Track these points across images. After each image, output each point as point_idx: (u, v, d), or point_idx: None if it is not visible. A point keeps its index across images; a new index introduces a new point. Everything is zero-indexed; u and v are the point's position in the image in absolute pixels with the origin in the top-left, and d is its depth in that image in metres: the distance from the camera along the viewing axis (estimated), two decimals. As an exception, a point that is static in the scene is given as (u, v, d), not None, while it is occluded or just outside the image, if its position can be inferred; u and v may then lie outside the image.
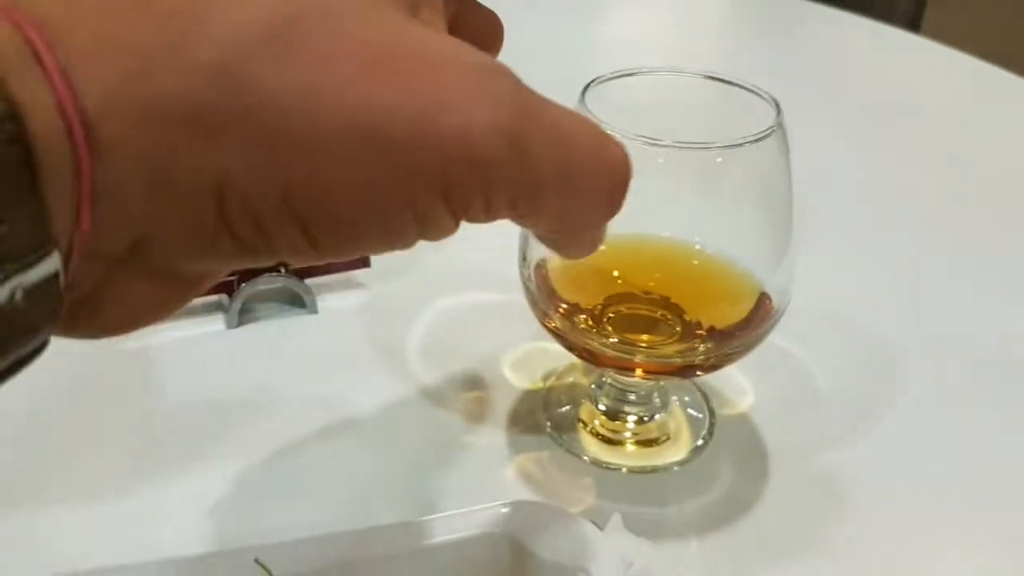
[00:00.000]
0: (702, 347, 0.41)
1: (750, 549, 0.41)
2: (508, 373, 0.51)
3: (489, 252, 0.49)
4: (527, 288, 0.43)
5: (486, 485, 0.44)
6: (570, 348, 0.42)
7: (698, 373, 0.42)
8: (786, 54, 0.94)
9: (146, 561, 0.31)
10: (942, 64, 0.92)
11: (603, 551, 0.32)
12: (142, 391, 0.49)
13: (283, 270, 0.54)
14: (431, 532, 0.33)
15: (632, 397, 0.46)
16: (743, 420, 0.48)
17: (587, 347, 0.41)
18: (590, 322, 0.42)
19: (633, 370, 0.41)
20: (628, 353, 0.41)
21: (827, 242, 0.60)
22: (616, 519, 0.40)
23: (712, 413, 0.48)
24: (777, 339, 0.51)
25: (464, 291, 0.57)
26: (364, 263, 0.56)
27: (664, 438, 0.46)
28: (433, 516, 0.33)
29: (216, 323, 0.53)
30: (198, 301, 0.53)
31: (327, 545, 0.32)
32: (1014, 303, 0.57)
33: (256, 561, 0.30)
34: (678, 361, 0.41)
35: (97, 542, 0.40)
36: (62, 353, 0.49)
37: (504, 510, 0.33)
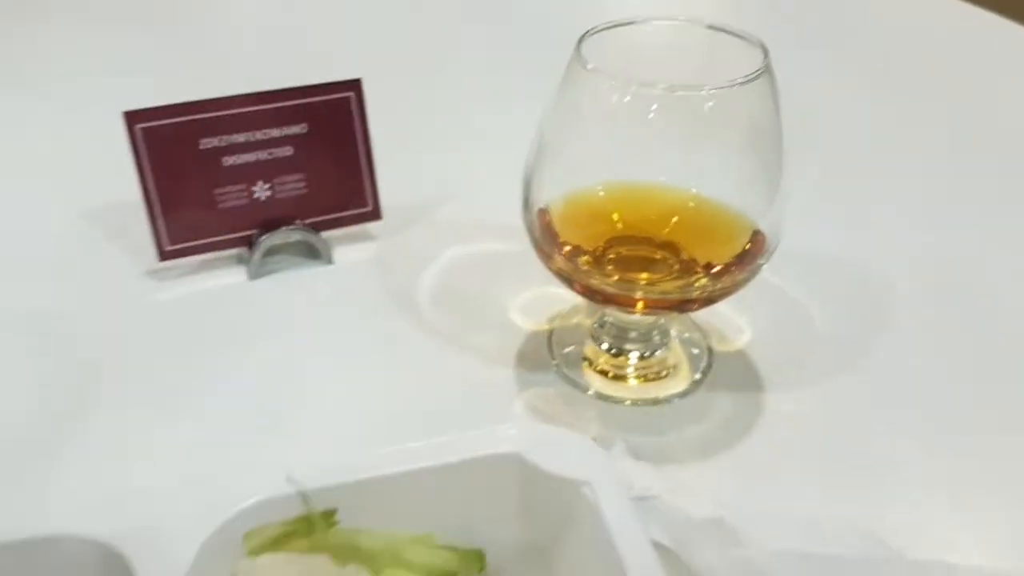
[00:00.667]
0: (699, 282, 0.43)
1: (745, 473, 0.43)
2: (515, 316, 0.53)
3: (496, 204, 0.51)
4: (531, 232, 0.45)
5: (496, 418, 0.46)
6: (574, 288, 0.44)
7: (695, 307, 0.44)
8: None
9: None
10: (941, 12, 0.92)
11: (606, 467, 0.34)
12: (174, 337, 0.52)
13: (298, 222, 0.56)
14: (446, 452, 0.35)
15: (633, 335, 0.49)
16: (740, 356, 0.50)
17: (590, 285, 0.43)
18: (592, 263, 0.44)
19: (634, 306, 0.44)
20: (629, 290, 0.43)
21: (822, 183, 0.62)
22: (620, 446, 0.42)
23: (710, 350, 0.50)
24: (772, 279, 0.54)
25: (472, 241, 0.60)
26: (376, 216, 0.59)
27: (664, 373, 0.48)
28: (447, 437, 0.36)
29: (238, 275, 0.56)
30: (222, 254, 0.56)
31: (352, 464, 0.34)
32: (1005, 245, 0.59)
33: (288, 478, 0.33)
34: (676, 295, 0.43)
35: (141, 467, 0.43)
36: (102, 301, 0.52)
37: (512, 431, 0.36)
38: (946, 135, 0.73)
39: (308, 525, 0.34)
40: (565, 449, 0.35)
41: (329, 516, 0.34)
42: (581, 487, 0.34)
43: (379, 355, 0.51)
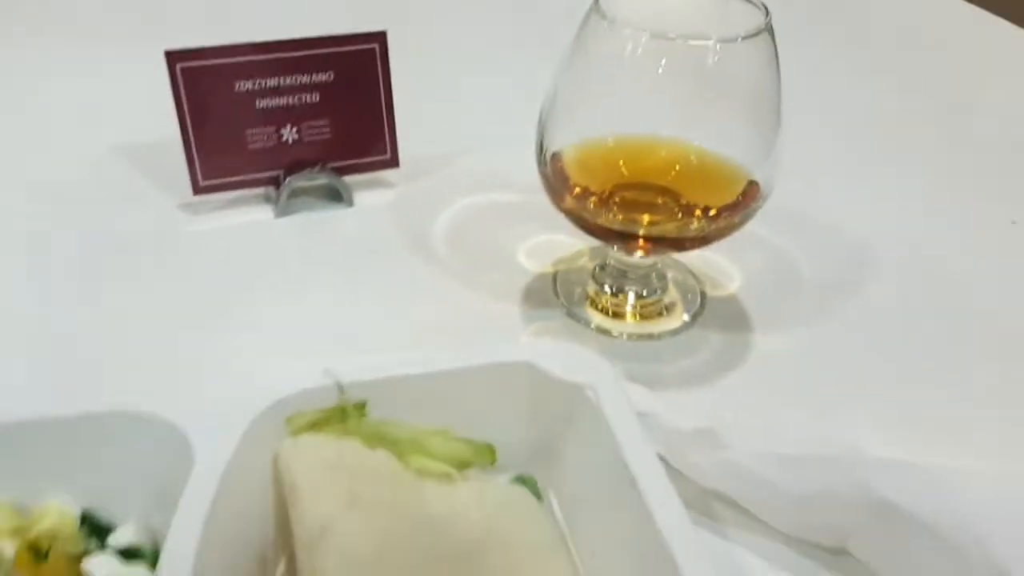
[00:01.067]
0: (696, 224, 0.47)
1: (732, 401, 0.47)
2: (523, 259, 0.57)
3: (507, 158, 0.55)
4: (543, 175, 0.49)
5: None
6: (581, 226, 0.48)
7: (692, 245, 0.48)
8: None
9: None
10: (944, 9, 0.97)
11: (607, 374, 0.39)
12: (204, 268, 0.55)
13: (321, 166, 0.60)
14: (465, 357, 0.39)
15: (632, 277, 0.53)
16: (731, 300, 0.55)
17: (596, 223, 0.47)
18: (599, 203, 0.48)
19: (635, 244, 0.48)
20: (631, 228, 0.47)
21: (816, 146, 0.66)
22: (617, 371, 0.46)
23: (703, 294, 0.54)
24: (763, 231, 0.58)
25: (483, 192, 0.64)
26: (394, 163, 0.62)
27: (660, 312, 0.53)
28: (467, 346, 0.40)
29: (265, 213, 0.60)
30: (249, 192, 0.59)
31: (382, 363, 0.38)
32: (986, 213, 0.64)
33: (326, 372, 0.37)
34: (674, 234, 0.47)
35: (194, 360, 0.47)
36: (140, 230, 0.56)
37: (524, 343, 0.40)
38: (945, 109, 0.77)
39: (342, 414, 0.38)
40: (571, 358, 0.39)
41: (360, 407, 0.38)
42: (585, 390, 0.38)
43: (394, 289, 0.54)
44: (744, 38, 0.43)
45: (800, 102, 0.48)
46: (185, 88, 0.55)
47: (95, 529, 0.36)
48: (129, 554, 0.35)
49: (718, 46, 0.44)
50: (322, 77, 0.58)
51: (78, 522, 0.36)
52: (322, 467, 0.36)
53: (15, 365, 0.47)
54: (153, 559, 0.35)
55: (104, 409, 0.35)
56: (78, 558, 0.34)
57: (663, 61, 0.46)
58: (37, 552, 0.33)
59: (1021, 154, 0.71)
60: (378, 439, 0.38)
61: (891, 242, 0.60)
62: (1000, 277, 0.57)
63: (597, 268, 0.54)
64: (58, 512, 0.35)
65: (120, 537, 0.35)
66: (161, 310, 0.52)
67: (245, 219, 0.59)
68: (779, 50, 0.45)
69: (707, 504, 0.41)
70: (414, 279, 0.55)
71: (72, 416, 0.35)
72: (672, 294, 0.54)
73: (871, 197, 0.65)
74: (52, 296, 0.52)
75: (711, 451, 0.40)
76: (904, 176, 0.68)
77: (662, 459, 0.40)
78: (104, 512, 0.36)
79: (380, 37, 0.59)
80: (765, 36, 0.44)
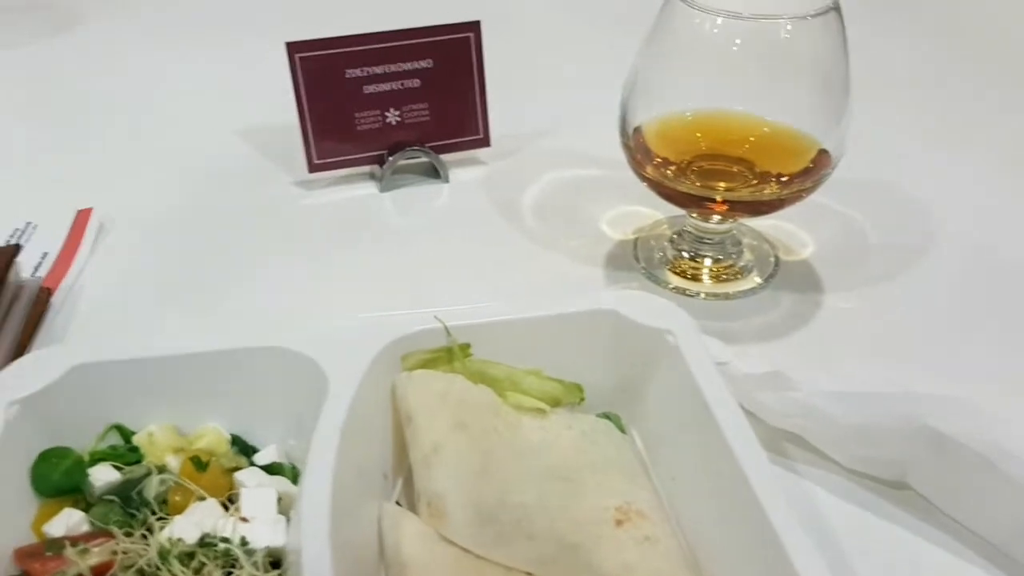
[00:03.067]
0: (770, 189, 0.51)
1: (803, 355, 0.51)
2: (605, 228, 0.62)
3: (588, 137, 0.60)
4: (626, 147, 0.53)
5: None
6: (661, 193, 0.53)
7: (766, 209, 0.52)
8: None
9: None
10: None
11: (685, 320, 0.43)
12: (319, 235, 0.62)
13: (420, 145, 0.66)
14: (556, 305, 0.44)
15: (709, 242, 0.57)
16: (803, 264, 0.58)
17: (676, 190, 0.52)
18: (678, 172, 0.53)
19: (713, 208, 0.52)
20: (709, 193, 0.51)
21: (881, 117, 0.69)
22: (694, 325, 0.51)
23: (776, 258, 0.58)
24: (834, 203, 0.61)
25: (568, 167, 0.68)
26: (486, 143, 0.68)
27: (735, 275, 0.56)
28: (558, 296, 0.44)
29: (371, 188, 0.66)
30: (356, 171, 0.66)
31: (484, 309, 0.44)
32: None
33: (436, 316, 0.43)
34: (749, 198, 0.51)
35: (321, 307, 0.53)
36: (260, 204, 0.63)
37: (608, 293, 0.45)
38: (1012, 84, 0.78)
39: (449, 354, 0.43)
40: (651, 307, 0.44)
41: (465, 348, 0.43)
42: (665, 335, 0.42)
43: (486, 253, 0.60)
44: (813, 16, 0.47)
45: (868, 75, 0.51)
46: (303, 76, 0.61)
47: (243, 449, 0.42)
48: (271, 470, 0.41)
49: (789, 24, 0.47)
50: (422, 64, 0.64)
51: (229, 442, 0.42)
52: (433, 397, 0.42)
53: (171, 310, 0.54)
54: (291, 474, 0.41)
55: (251, 345, 0.42)
56: (231, 471, 0.40)
57: (737, 40, 0.49)
58: (199, 463, 0.39)
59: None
60: (480, 376, 0.43)
61: (954, 210, 0.62)
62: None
63: (675, 235, 0.58)
64: (213, 433, 0.42)
65: (263, 456, 0.42)
66: (284, 269, 0.58)
67: (353, 194, 0.65)
68: (847, 26, 0.48)
69: (776, 442, 0.45)
70: (504, 245, 0.60)
71: (223, 351, 0.42)
72: (747, 258, 0.57)
73: (935, 168, 0.67)
74: (197, 253, 0.59)
75: (780, 392, 0.43)
76: (967, 148, 0.70)
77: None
78: (249, 435, 0.43)
79: (475, 27, 0.64)
80: (833, 14, 0.47)
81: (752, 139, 0.54)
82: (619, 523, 0.37)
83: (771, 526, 0.33)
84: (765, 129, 0.53)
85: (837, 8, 0.48)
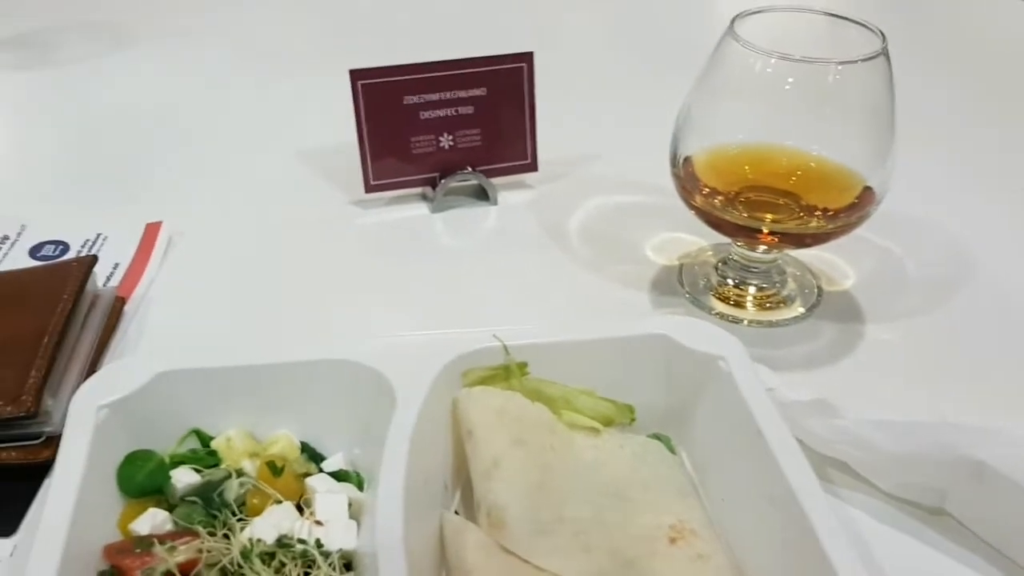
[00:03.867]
0: (815, 223, 0.53)
1: (846, 383, 0.52)
2: (650, 253, 0.64)
3: (634, 165, 0.62)
4: (676, 176, 0.56)
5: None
6: (709, 222, 0.55)
7: (810, 242, 0.54)
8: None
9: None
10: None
11: (737, 347, 0.45)
12: (373, 252, 0.64)
13: (471, 169, 0.68)
14: (610, 329, 0.46)
15: (754, 270, 0.58)
16: (845, 295, 0.60)
17: (723, 219, 0.54)
18: (725, 202, 0.55)
19: (759, 239, 0.54)
20: (756, 224, 0.53)
21: (924, 156, 0.70)
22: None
23: (819, 288, 0.60)
24: (875, 236, 0.63)
25: (614, 193, 0.70)
26: (533, 168, 0.70)
27: (779, 304, 0.58)
28: (612, 320, 0.47)
29: (422, 209, 0.68)
30: (410, 192, 0.68)
31: (541, 330, 0.46)
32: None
33: (495, 336, 0.45)
34: (795, 231, 0.53)
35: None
36: (319, 223, 0.65)
37: (661, 318, 0.47)
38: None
39: (506, 372, 0.45)
40: (703, 332, 0.46)
41: (522, 367, 0.45)
42: (717, 360, 0.44)
43: (534, 273, 0.62)
44: (863, 60, 0.49)
45: (911, 116, 0.53)
46: (364, 101, 0.64)
47: (311, 456, 0.44)
48: (338, 476, 0.43)
49: (838, 67, 0.49)
50: (476, 92, 0.66)
51: (299, 449, 0.44)
52: (492, 414, 0.44)
53: (237, 321, 0.57)
54: (356, 481, 0.43)
55: (323, 358, 0.44)
56: (302, 476, 0.43)
57: (788, 79, 0.51)
58: (274, 468, 0.42)
59: None
60: (536, 394, 0.45)
61: (991, 247, 0.64)
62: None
63: (720, 262, 0.60)
64: (285, 440, 0.44)
65: (332, 463, 0.44)
66: (340, 284, 0.61)
67: (406, 214, 0.68)
68: (893, 68, 0.51)
69: (820, 468, 0.46)
70: (550, 267, 0.62)
71: (297, 363, 0.44)
72: (790, 287, 0.59)
73: (974, 207, 0.69)
74: (259, 267, 0.62)
75: (826, 419, 0.45)
76: (1005, 190, 0.72)
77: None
78: (317, 443, 0.45)
79: (528, 57, 0.66)
80: (881, 59, 0.49)
81: (799, 173, 0.56)
82: (673, 540, 0.39)
83: (823, 551, 0.35)
84: (812, 164, 0.55)
85: (886, 53, 0.50)
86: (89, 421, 0.40)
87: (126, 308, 0.56)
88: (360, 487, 0.43)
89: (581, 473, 0.43)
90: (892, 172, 0.53)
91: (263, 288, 0.60)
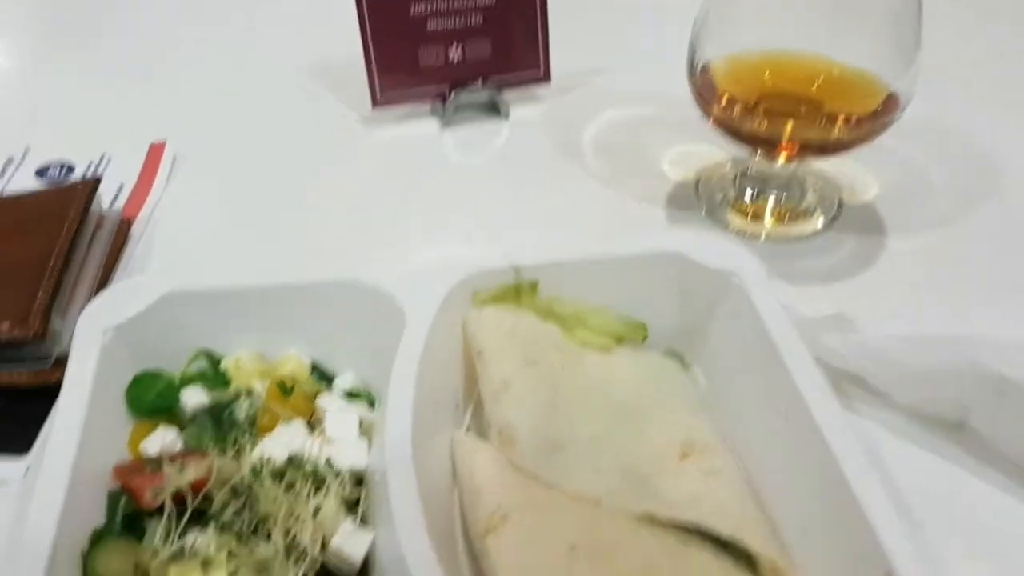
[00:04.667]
0: (837, 131, 0.51)
1: (866, 296, 0.51)
2: (666, 168, 0.62)
3: (649, 75, 0.59)
4: (693, 86, 0.53)
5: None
6: (728, 133, 0.53)
7: (832, 151, 0.52)
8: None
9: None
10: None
11: (752, 262, 0.43)
12: (383, 169, 0.63)
13: (481, 82, 0.66)
14: (623, 246, 0.45)
15: (773, 183, 0.57)
16: (868, 207, 0.58)
17: (743, 130, 0.51)
18: (745, 112, 0.52)
19: (779, 150, 0.52)
20: (776, 134, 0.51)
21: (950, 62, 0.67)
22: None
23: (840, 200, 0.58)
24: (899, 145, 0.60)
25: (629, 105, 0.68)
26: (547, 78, 0.68)
27: (798, 217, 0.56)
28: (625, 237, 0.45)
29: (432, 125, 0.66)
30: (417, 108, 0.66)
31: (552, 248, 0.45)
32: None
33: (504, 255, 0.44)
34: (817, 139, 0.51)
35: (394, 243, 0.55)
36: (326, 140, 0.63)
37: (675, 234, 0.45)
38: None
39: (517, 291, 0.44)
40: (718, 248, 0.44)
41: (533, 286, 0.44)
42: (731, 276, 0.43)
43: (546, 190, 0.60)
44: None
45: (938, 20, 0.50)
46: (369, 12, 0.61)
47: (322, 376, 0.44)
48: (350, 395, 0.43)
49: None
50: (486, 0, 0.64)
51: (309, 369, 0.44)
52: (503, 334, 0.43)
53: (245, 241, 0.56)
54: (367, 400, 0.43)
55: (333, 279, 0.43)
56: (312, 396, 0.42)
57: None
58: (284, 388, 0.41)
59: None
60: (546, 313, 0.45)
61: (1020, 154, 0.61)
62: None
63: (738, 175, 0.58)
64: (295, 360, 0.44)
65: (342, 382, 0.44)
66: (347, 203, 0.60)
67: (414, 131, 0.66)
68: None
69: (839, 385, 0.45)
70: (563, 183, 0.61)
71: (306, 284, 0.43)
72: (811, 200, 0.57)
73: (1002, 114, 0.66)
74: (267, 187, 0.61)
75: (844, 334, 0.44)
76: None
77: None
78: (327, 363, 0.45)
79: (539, -39, 0.63)
80: (911, -46, 0.46)
81: (821, 80, 0.53)
82: (684, 456, 0.39)
83: (839, 467, 0.34)
84: (834, 70, 0.53)
85: (914, -53, 0.47)
86: (95, 342, 0.40)
87: (132, 230, 0.56)
88: (372, 406, 0.42)
89: (592, 391, 0.43)
90: (917, 78, 0.50)
91: (270, 208, 0.59)
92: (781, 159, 0.54)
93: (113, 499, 0.37)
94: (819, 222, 0.56)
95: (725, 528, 0.35)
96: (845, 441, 0.35)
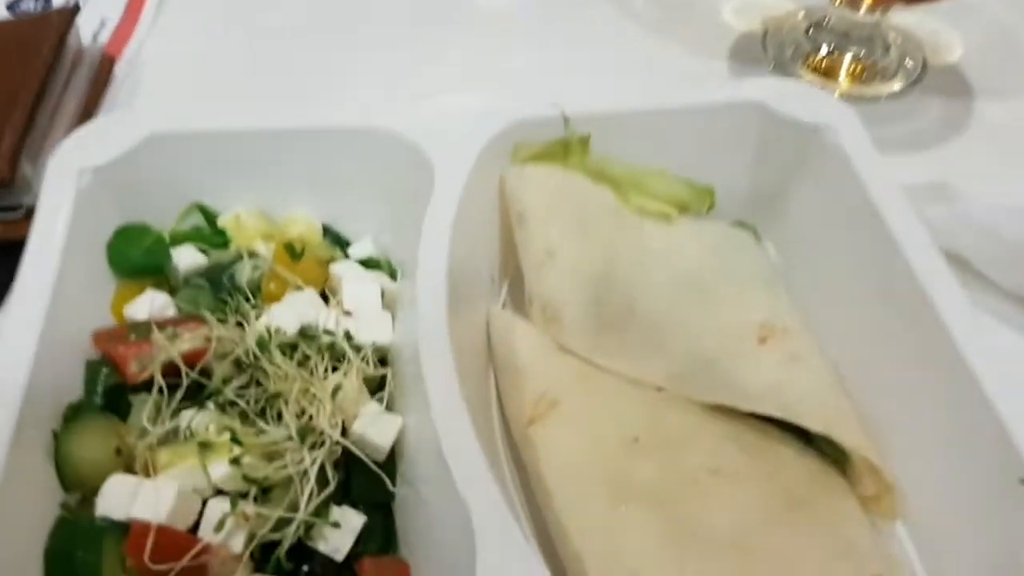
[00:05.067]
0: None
1: (950, 165, 0.45)
2: (729, 16, 0.54)
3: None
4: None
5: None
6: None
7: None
8: None
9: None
10: None
11: (847, 114, 0.37)
12: (404, 13, 0.55)
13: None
14: (691, 96, 0.38)
15: (853, 36, 0.49)
16: (952, 69, 0.50)
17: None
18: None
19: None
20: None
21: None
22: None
23: (924, 60, 0.50)
24: (984, 3, 0.52)
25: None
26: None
27: (877, 75, 0.49)
28: (686, 87, 0.38)
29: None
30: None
31: (609, 97, 0.38)
32: None
33: (553, 104, 0.37)
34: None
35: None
36: None
37: (756, 83, 0.38)
38: None
39: (565, 148, 0.38)
40: (807, 98, 0.38)
41: (584, 143, 0.38)
42: (824, 131, 0.36)
43: (592, 40, 0.53)
44: None
45: None
46: None
47: (335, 240, 0.38)
48: (367, 264, 0.37)
49: None
50: None
51: (321, 232, 0.38)
52: (549, 196, 0.37)
53: (247, 85, 0.49)
54: (387, 270, 0.37)
55: (348, 126, 0.36)
56: (325, 262, 0.36)
57: None
58: (292, 251, 0.35)
59: None
60: (598, 175, 0.38)
61: None
62: None
63: (813, 27, 0.51)
64: (304, 220, 0.38)
65: (359, 249, 0.38)
66: (369, 46, 0.52)
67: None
68: None
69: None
70: (611, 34, 0.53)
71: (316, 130, 0.37)
72: (891, 58, 0.50)
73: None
74: (269, 27, 0.53)
75: (945, 203, 0.38)
76: None
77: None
78: (341, 225, 0.39)
79: None
80: None
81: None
82: (763, 340, 0.33)
83: (958, 353, 0.28)
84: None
85: None
86: (70, 184, 0.33)
87: (116, 70, 0.49)
88: (393, 277, 0.37)
89: (652, 264, 0.37)
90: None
91: (274, 48, 0.52)
92: (864, 6, 0.47)
93: (92, 369, 0.31)
94: (900, 84, 0.49)
95: (814, 422, 0.30)
96: (968, 328, 0.29)
